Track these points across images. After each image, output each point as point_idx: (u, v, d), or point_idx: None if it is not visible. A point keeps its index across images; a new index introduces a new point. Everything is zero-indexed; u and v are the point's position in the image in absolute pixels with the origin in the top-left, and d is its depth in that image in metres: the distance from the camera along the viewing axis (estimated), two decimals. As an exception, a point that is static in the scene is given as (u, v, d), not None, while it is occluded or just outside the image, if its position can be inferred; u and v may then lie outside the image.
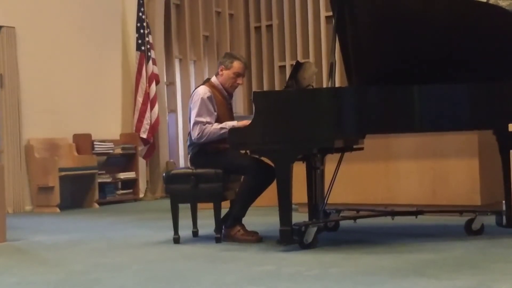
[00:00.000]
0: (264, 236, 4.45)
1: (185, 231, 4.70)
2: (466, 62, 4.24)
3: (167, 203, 4.65)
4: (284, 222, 3.99)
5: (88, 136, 8.04)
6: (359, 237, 4.57)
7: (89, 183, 7.77)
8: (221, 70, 4.64)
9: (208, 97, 4.51)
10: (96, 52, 8.42)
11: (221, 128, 4.42)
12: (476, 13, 4.15)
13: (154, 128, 8.60)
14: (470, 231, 4.42)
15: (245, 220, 4.49)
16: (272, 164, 4.16)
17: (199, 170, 4.44)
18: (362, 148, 4.82)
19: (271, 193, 4.34)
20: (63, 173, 7.43)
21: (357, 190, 5.72)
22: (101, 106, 8.44)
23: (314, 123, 4.02)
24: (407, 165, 5.58)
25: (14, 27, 7.48)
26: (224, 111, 4.61)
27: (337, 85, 8.10)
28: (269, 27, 10.33)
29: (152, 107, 8.56)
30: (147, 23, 8.64)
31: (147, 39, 8.59)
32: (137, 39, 8.56)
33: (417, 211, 4.71)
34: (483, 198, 5.26)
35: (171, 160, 9.13)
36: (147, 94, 8.53)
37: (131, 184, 8.48)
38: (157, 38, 8.96)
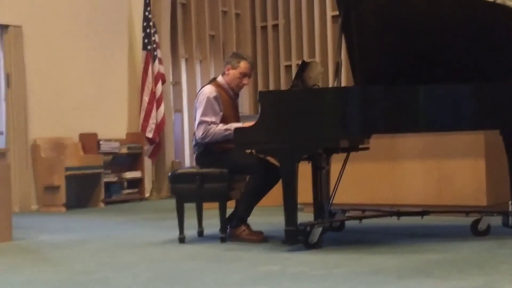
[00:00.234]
0: (269, 236, 4.45)
1: (191, 230, 4.70)
2: (472, 62, 4.22)
3: (172, 202, 4.66)
4: (289, 222, 3.98)
5: (94, 135, 8.06)
6: (364, 238, 4.56)
7: (95, 183, 7.78)
8: (228, 70, 4.63)
9: (214, 97, 4.51)
10: (103, 52, 8.44)
11: (226, 129, 4.41)
12: (483, 12, 4.14)
13: (160, 127, 8.61)
14: (476, 232, 4.40)
15: (250, 220, 4.49)
16: (278, 164, 4.15)
17: (204, 170, 4.44)
18: (367, 148, 4.81)
19: (276, 193, 4.34)
20: (69, 173, 7.44)
21: (362, 190, 5.71)
22: (107, 106, 8.46)
23: (320, 123, 4.01)
24: (413, 165, 5.57)
25: (21, 26, 7.50)
26: (230, 111, 4.61)
27: (343, 84, 8.08)
28: (275, 26, 10.32)
29: (158, 107, 8.57)
30: (153, 22, 8.65)
31: (153, 38, 8.60)
32: (143, 38, 8.57)
33: (423, 212, 4.70)
34: (489, 198, 5.24)
35: (177, 160, 9.14)
36: (153, 93, 8.54)
37: (137, 183, 8.50)
38: (163, 37, 8.96)
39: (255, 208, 4.47)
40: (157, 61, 8.61)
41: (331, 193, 4.62)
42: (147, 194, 8.63)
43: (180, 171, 4.64)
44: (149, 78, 8.55)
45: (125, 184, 8.41)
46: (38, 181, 7.52)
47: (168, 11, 9.15)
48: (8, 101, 7.40)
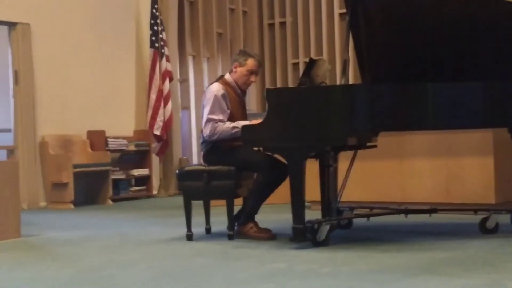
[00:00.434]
0: (277, 233, 4.45)
1: (198, 228, 4.70)
2: (480, 60, 4.20)
3: (180, 200, 4.66)
4: (297, 220, 3.98)
5: (102, 132, 8.08)
6: (372, 235, 4.55)
7: (103, 180, 7.80)
8: (235, 67, 4.63)
9: (221, 95, 4.51)
10: (110, 49, 8.45)
11: (233, 127, 4.41)
12: (491, 10, 4.12)
13: (167, 125, 8.62)
14: (485, 230, 4.39)
15: (258, 217, 4.49)
16: (285, 161, 4.15)
17: (212, 167, 4.44)
18: (375, 146, 4.80)
19: (284, 190, 4.33)
20: (77, 170, 7.46)
21: (370, 188, 5.70)
22: (115, 103, 8.48)
23: (327, 121, 4.01)
24: (421, 163, 5.56)
25: (29, 24, 7.52)
26: (237, 109, 4.61)
27: (350, 82, 8.07)
28: (283, 24, 10.31)
29: (165, 104, 8.58)
30: (161, 20, 8.66)
31: (160, 36, 8.60)
32: (151, 36, 8.58)
33: (431, 209, 4.68)
34: (498, 196, 5.23)
35: (184, 157, 9.15)
36: (160, 91, 8.55)
37: (145, 181, 8.51)
38: (170, 35, 8.97)
39: (262, 205, 4.47)
40: (164, 58, 8.62)
41: (338, 191, 4.62)
42: (154, 192, 8.65)
43: (187, 168, 4.64)
44: (157, 76, 8.56)
45: (133, 181, 8.43)
46: (46, 178, 7.55)
47: (176, 8, 9.15)
48: (16, 99, 7.43)
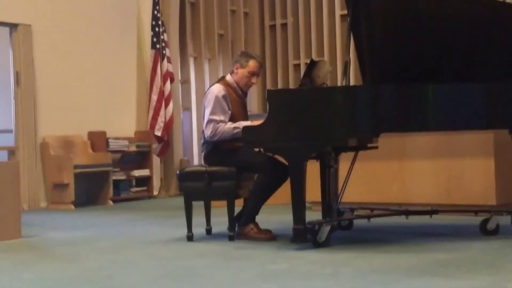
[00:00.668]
0: (278, 234, 4.45)
1: (199, 228, 4.71)
2: (481, 61, 4.20)
3: (181, 200, 4.66)
4: (298, 221, 3.98)
5: (103, 133, 8.08)
6: (372, 236, 4.55)
7: (103, 181, 7.81)
8: (236, 69, 4.63)
9: (222, 96, 4.51)
10: (111, 50, 8.46)
11: (235, 128, 4.41)
12: (492, 11, 4.12)
13: (168, 126, 8.62)
14: (485, 231, 4.39)
15: (259, 218, 4.49)
16: (286, 162, 4.15)
17: (212, 168, 4.44)
18: (376, 147, 4.80)
19: (284, 191, 4.33)
20: (78, 170, 7.47)
21: (371, 189, 5.70)
22: (116, 104, 8.48)
23: (328, 122, 4.01)
24: (422, 164, 5.55)
25: (30, 25, 7.52)
26: (239, 110, 4.61)
27: (351, 83, 8.07)
28: (284, 25, 10.32)
29: (166, 105, 8.58)
30: (162, 21, 8.66)
31: (162, 37, 8.61)
32: (152, 37, 8.58)
33: (432, 211, 4.69)
34: (499, 197, 5.22)
35: (185, 158, 9.15)
36: (161, 92, 8.55)
37: (145, 181, 8.52)
38: (172, 36, 8.98)
39: (263, 206, 4.47)
40: (165, 59, 8.62)
41: (339, 192, 4.62)
42: (155, 192, 8.65)
43: (188, 169, 4.64)
44: (158, 77, 8.56)
45: (134, 182, 8.43)
46: (47, 178, 7.55)
47: (177, 9, 9.16)
48: (17, 99, 7.43)
